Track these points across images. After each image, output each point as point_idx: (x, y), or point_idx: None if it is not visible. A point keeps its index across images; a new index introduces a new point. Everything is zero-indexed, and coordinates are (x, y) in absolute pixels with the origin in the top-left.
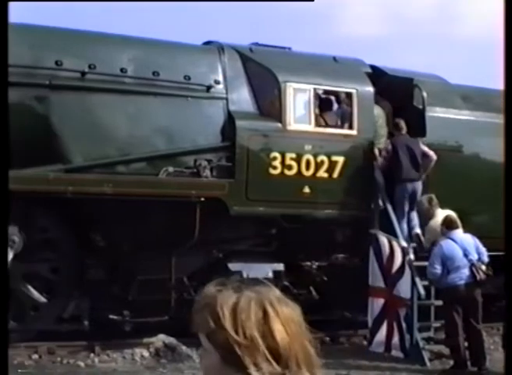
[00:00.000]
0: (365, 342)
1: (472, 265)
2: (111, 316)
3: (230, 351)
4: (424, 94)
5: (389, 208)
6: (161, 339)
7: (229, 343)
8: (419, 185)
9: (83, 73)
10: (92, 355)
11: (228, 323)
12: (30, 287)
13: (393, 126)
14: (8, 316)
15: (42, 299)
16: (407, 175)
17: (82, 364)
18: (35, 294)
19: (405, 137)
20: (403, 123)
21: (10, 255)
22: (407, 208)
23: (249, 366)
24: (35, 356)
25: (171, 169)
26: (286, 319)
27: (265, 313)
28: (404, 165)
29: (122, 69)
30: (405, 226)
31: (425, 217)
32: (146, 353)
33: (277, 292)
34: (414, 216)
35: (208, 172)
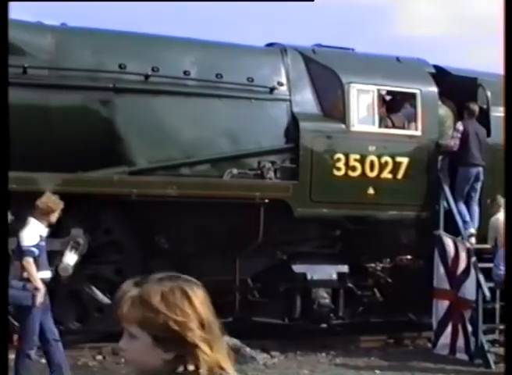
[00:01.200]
0: (430, 344)
1: None
2: None
3: (166, 330)
4: (489, 93)
5: (454, 209)
6: (225, 341)
7: (166, 323)
8: (481, 172)
9: (147, 76)
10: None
11: (162, 307)
12: (94, 289)
13: (465, 109)
14: (8, 315)
15: (106, 300)
16: (473, 159)
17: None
18: (99, 295)
19: (475, 122)
20: (476, 107)
21: (75, 257)
22: (466, 191)
23: (188, 335)
24: (99, 357)
25: (235, 171)
26: (202, 298)
27: (187, 295)
28: (472, 148)
29: (185, 72)
30: (463, 208)
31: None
32: None
33: (188, 278)
34: (475, 211)
35: (271, 174)
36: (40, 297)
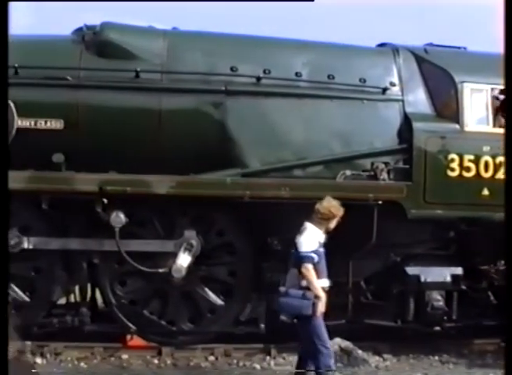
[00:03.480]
0: None
1: None
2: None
3: None
4: None
5: None
6: (337, 343)
7: None
8: None
9: (258, 78)
10: (268, 357)
11: None
12: (207, 290)
13: None
14: (8, 315)
15: (219, 302)
16: None
17: (258, 366)
18: (212, 296)
19: None
20: None
21: (189, 259)
22: None
23: None
24: (211, 358)
25: (348, 172)
26: None
27: None
28: None
29: (297, 74)
30: None
31: None
32: None
33: None
34: None
35: (385, 175)
36: (321, 306)
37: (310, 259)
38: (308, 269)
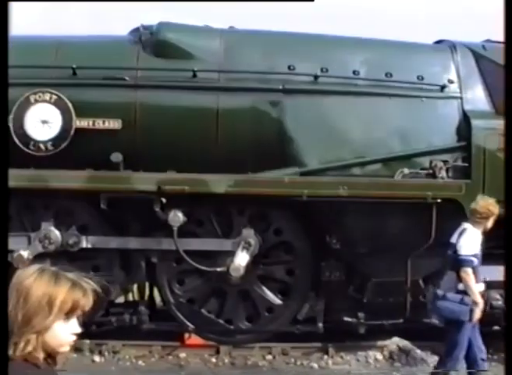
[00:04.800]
0: None
1: None
2: (345, 318)
3: None
4: None
5: None
6: (395, 342)
7: None
8: None
9: (316, 77)
10: (326, 356)
11: None
12: (265, 289)
13: None
14: (7, 315)
15: (277, 301)
16: None
17: (315, 365)
18: (270, 295)
19: None
20: None
21: (247, 258)
22: None
23: None
24: (269, 357)
25: (406, 170)
26: None
27: None
28: None
29: (354, 72)
30: None
31: None
32: (380, 356)
33: None
34: None
35: (443, 173)
36: (478, 312)
37: (470, 263)
38: (468, 273)
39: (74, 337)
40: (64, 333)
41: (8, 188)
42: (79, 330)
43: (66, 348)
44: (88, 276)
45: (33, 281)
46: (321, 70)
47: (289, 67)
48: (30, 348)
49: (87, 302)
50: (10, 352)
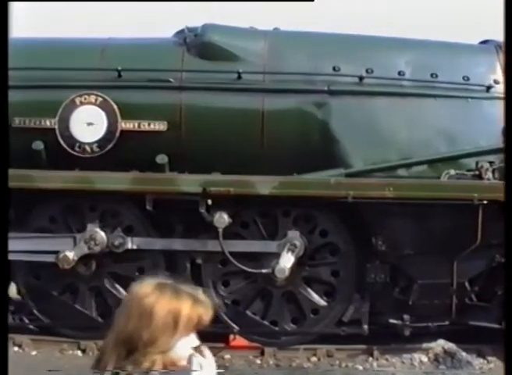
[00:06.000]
0: None
1: None
2: (390, 320)
3: None
4: None
5: None
6: (440, 344)
7: None
8: None
9: (361, 78)
10: (371, 358)
11: None
12: (310, 291)
13: None
14: (7, 314)
15: (322, 302)
16: None
17: (360, 367)
18: (315, 297)
19: None
20: None
21: (292, 259)
22: None
23: None
24: (314, 359)
25: (452, 171)
26: None
27: None
28: None
29: (399, 72)
30: None
31: None
32: (425, 358)
33: None
34: None
35: (489, 174)
36: None
37: None
38: None
39: (192, 351)
40: (185, 348)
41: (8, 188)
42: (198, 343)
43: (184, 362)
44: (195, 287)
45: (155, 299)
46: (367, 71)
47: (334, 68)
48: (156, 368)
49: (208, 316)
50: (129, 368)
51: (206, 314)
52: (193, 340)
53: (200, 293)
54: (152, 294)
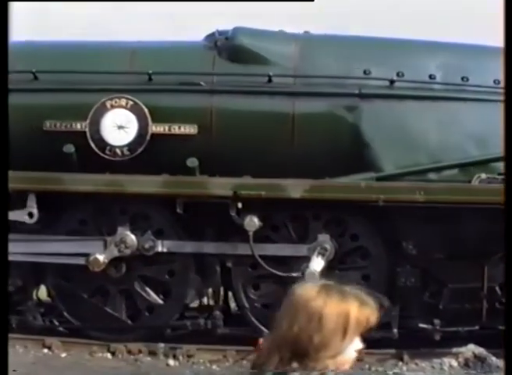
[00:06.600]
0: None
1: None
2: (421, 325)
3: None
4: None
5: None
6: (470, 349)
7: None
8: None
9: (392, 81)
10: (400, 363)
11: None
12: None
13: None
14: (8, 315)
15: None
16: None
17: (390, 372)
18: None
19: None
20: None
21: (322, 263)
22: None
23: None
24: None
25: (483, 175)
26: None
27: None
28: None
29: (430, 76)
30: None
31: None
32: (455, 363)
33: None
34: None
35: None
36: None
37: None
38: None
39: (356, 354)
40: (350, 351)
41: (8, 188)
42: (361, 346)
43: (347, 366)
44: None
45: (323, 302)
46: (398, 75)
47: (364, 72)
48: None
49: (374, 317)
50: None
51: (373, 315)
52: (358, 343)
53: (364, 294)
54: (319, 297)
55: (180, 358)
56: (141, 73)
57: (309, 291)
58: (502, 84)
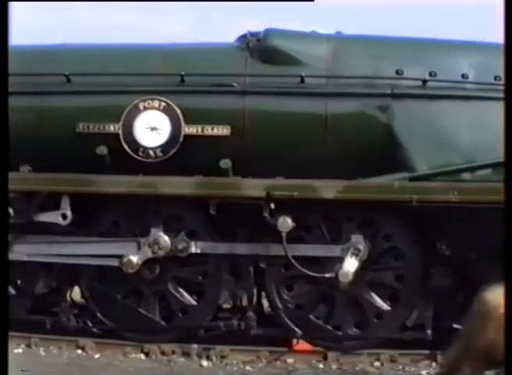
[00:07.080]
0: None
1: None
2: (454, 325)
3: None
4: None
5: None
6: None
7: None
8: None
9: (424, 81)
10: (434, 364)
11: None
12: (373, 295)
13: None
14: (8, 313)
15: (386, 307)
16: None
17: (423, 373)
18: (379, 301)
19: None
20: None
21: (356, 263)
22: None
23: None
24: (377, 363)
25: None
26: None
27: None
28: None
29: (463, 75)
30: None
31: None
32: None
33: None
34: None
35: None
36: None
37: None
38: None
39: None
40: None
41: (8, 188)
42: None
43: None
44: None
45: None
46: (430, 74)
47: (397, 72)
48: None
49: None
50: None
51: None
52: None
53: None
54: None
55: (214, 359)
56: (174, 75)
57: (500, 298)
58: None
